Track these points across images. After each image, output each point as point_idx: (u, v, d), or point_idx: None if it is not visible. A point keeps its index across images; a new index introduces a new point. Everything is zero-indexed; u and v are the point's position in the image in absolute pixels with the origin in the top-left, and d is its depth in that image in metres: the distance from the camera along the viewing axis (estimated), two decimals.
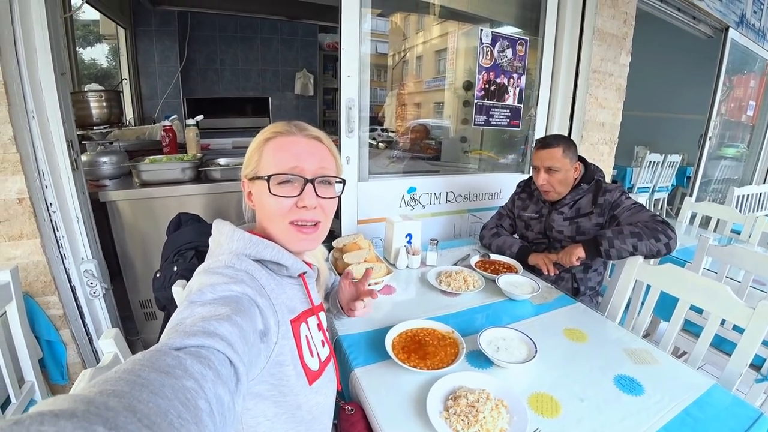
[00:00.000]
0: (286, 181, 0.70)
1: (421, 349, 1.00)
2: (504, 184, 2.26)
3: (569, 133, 2.31)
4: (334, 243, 1.47)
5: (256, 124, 4.32)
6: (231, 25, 4.50)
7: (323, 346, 0.78)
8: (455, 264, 1.59)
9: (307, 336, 0.72)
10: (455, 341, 1.03)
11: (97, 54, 4.17)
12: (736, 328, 1.47)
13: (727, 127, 4.20)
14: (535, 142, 1.62)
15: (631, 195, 1.57)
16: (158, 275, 1.29)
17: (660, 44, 4.28)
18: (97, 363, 0.89)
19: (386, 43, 3.23)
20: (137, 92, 4.06)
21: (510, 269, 1.54)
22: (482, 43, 2.03)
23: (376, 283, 1.31)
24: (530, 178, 1.75)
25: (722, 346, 1.58)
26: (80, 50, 4.09)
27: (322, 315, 0.84)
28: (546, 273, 1.52)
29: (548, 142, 1.55)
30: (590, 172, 1.59)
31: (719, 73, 3.51)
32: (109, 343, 0.78)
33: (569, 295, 1.40)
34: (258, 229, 0.76)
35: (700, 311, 1.63)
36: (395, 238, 1.54)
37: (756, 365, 1.46)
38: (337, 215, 1.93)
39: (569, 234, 1.59)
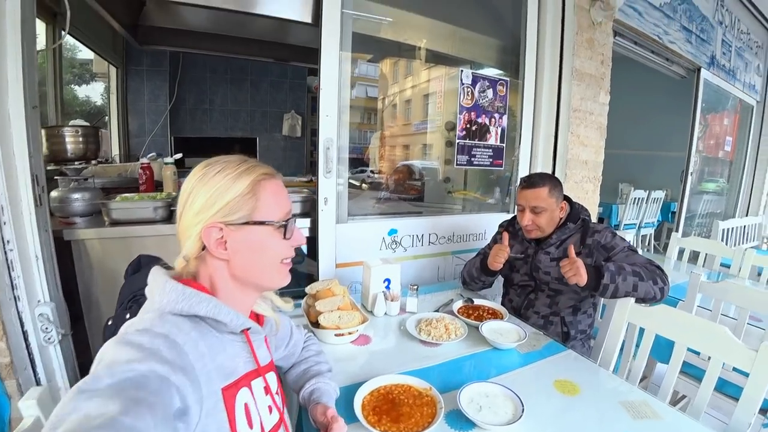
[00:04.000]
0: (286, 225, 0.71)
1: (395, 410, 0.91)
2: (488, 225, 2.23)
3: (553, 172, 2.31)
4: (307, 289, 1.39)
5: None
6: (222, 66, 4.58)
7: (270, 412, 0.70)
8: (437, 310, 1.52)
9: (246, 404, 0.64)
10: (433, 399, 0.94)
11: (92, 92, 4.23)
12: (736, 369, 1.40)
13: (707, 163, 4.32)
14: (519, 181, 1.59)
15: (618, 231, 1.55)
16: (110, 323, 1.19)
17: (638, 84, 4.44)
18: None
19: (376, 88, 3.30)
20: (125, 129, 4.05)
21: (495, 315, 1.46)
22: (462, 84, 2.06)
23: (350, 333, 1.23)
24: (514, 217, 1.71)
25: (723, 388, 1.49)
26: (75, 87, 4.13)
27: (272, 376, 0.76)
28: (506, 256, 1.54)
29: (533, 181, 1.51)
30: (575, 210, 1.56)
31: (695, 111, 3.64)
32: (30, 404, 0.69)
33: (559, 341, 1.33)
34: (201, 280, 0.68)
35: (697, 352, 1.55)
36: (373, 283, 1.47)
37: (763, 409, 1.33)
38: (314, 257, 1.86)
39: (557, 275, 1.52)
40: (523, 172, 2.36)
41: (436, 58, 2.40)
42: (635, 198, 4.41)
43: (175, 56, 4.22)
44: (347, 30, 1.76)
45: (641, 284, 1.30)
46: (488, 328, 1.33)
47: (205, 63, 4.48)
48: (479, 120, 2.13)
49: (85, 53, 3.79)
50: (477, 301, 1.57)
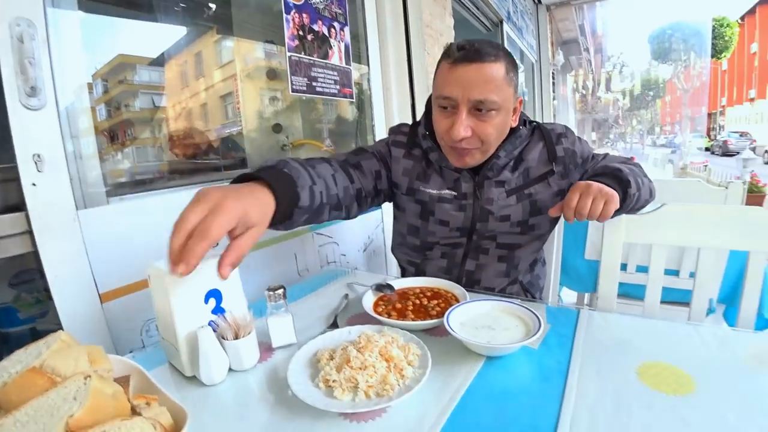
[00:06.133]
0: None
1: None
2: None
3: (413, 105, 1.81)
4: None
5: None
6: None
7: None
8: (331, 326, 0.78)
9: None
10: None
11: None
12: None
13: None
14: (447, 50, 0.84)
15: None
16: None
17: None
18: None
19: None
20: None
21: (442, 297, 0.83)
22: None
23: None
24: (415, 125, 1.00)
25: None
26: None
27: None
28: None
29: (480, 49, 0.79)
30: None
31: None
32: None
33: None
34: None
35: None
36: (178, 312, 0.62)
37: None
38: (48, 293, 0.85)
39: (520, 218, 0.95)
40: (377, 105, 1.77)
41: None
42: None
43: None
44: None
45: (649, 184, 0.89)
46: (457, 322, 0.69)
47: None
48: (315, 27, 1.42)
49: None
50: (399, 284, 0.90)
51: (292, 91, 1.37)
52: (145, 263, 0.66)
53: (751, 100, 32.09)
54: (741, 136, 19.99)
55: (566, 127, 0.97)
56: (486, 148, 0.86)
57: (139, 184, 1.11)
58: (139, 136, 1.20)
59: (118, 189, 1.02)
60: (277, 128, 1.54)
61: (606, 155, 0.99)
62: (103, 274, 0.89)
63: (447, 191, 0.95)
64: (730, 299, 1.44)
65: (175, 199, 1.06)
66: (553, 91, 5.84)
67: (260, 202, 0.61)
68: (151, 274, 0.65)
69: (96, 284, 0.88)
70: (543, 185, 0.93)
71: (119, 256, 0.92)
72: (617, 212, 0.79)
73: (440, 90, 0.83)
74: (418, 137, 0.97)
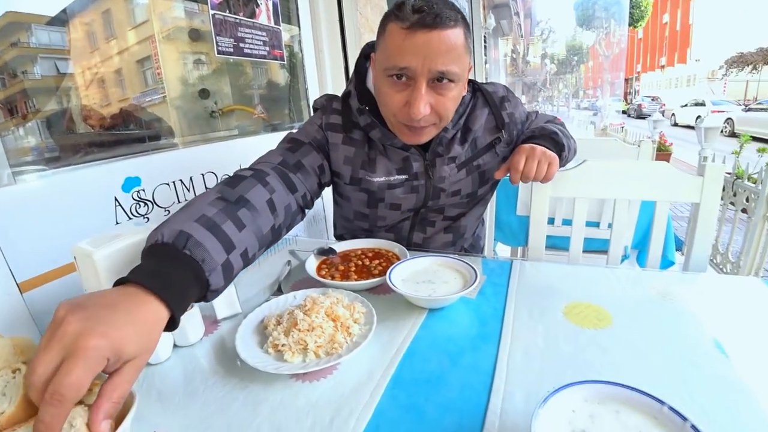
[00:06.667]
0: None
1: None
2: None
3: (346, 68, 1.76)
4: None
5: None
6: None
7: None
8: (277, 292, 0.78)
9: None
10: None
11: None
12: None
13: None
14: (402, 11, 0.68)
15: None
16: None
17: None
18: None
19: None
20: None
21: (384, 256, 0.85)
22: None
23: None
24: (345, 98, 0.87)
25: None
26: None
27: None
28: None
29: (441, 14, 0.66)
30: None
31: None
32: None
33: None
34: None
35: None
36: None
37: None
38: None
39: (470, 190, 0.93)
40: (309, 68, 1.70)
41: None
42: None
43: None
44: None
45: (573, 144, 0.94)
46: (399, 278, 0.72)
47: None
48: None
49: None
50: (341, 246, 0.91)
51: (218, 53, 1.28)
52: (68, 246, 0.61)
53: (662, 67, 35.02)
54: (653, 100, 21.80)
55: (506, 89, 0.94)
56: (442, 124, 0.79)
57: (51, 161, 1.00)
58: (43, 108, 1.05)
59: (25, 167, 0.91)
60: (204, 94, 1.44)
61: (537, 114, 1.02)
62: (19, 261, 0.81)
63: (396, 177, 0.87)
64: (641, 245, 1.62)
65: (94, 174, 0.98)
66: (485, 55, 5.92)
67: (140, 324, 0.42)
68: (76, 256, 0.60)
69: (12, 273, 0.80)
70: (490, 154, 0.91)
71: (36, 240, 0.83)
72: None
73: (394, 60, 0.69)
74: (353, 114, 0.85)
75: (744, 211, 2.27)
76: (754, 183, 2.17)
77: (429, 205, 0.93)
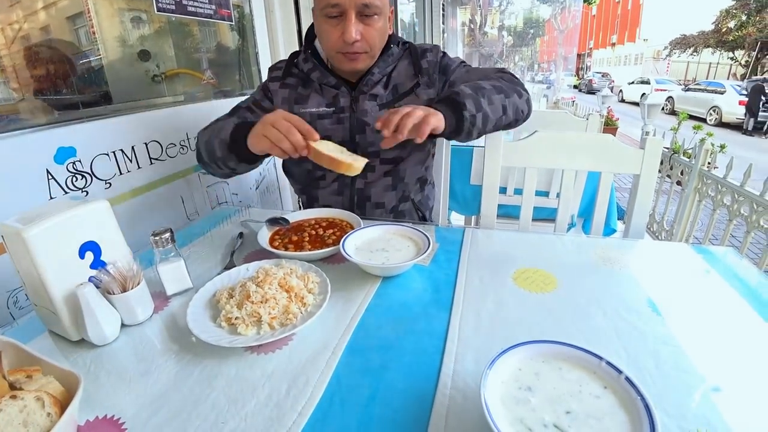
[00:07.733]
0: None
1: None
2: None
3: (299, 31, 1.68)
4: None
5: None
6: None
7: None
8: (228, 266, 0.75)
9: None
10: None
11: None
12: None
13: None
14: None
15: None
16: None
17: None
18: None
19: None
20: None
21: (337, 226, 0.85)
22: None
23: None
24: (292, 56, 1.05)
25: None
26: None
27: None
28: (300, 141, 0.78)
29: None
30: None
31: None
32: None
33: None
34: None
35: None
36: (48, 272, 0.55)
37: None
38: None
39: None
40: (260, 30, 1.61)
41: None
42: None
43: None
44: None
45: (509, 102, 0.89)
46: (355, 247, 0.73)
47: None
48: None
49: None
50: (294, 216, 0.90)
51: (158, 11, 1.18)
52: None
53: (613, 44, 36.21)
54: (603, 76, 22.65)
55: (436, 46, 1.05)
56: (373, 53, 0.94)
57: None
58: None
59: None
60: (144, 56, 1.33)
61: (474, 68, 1.02)
62: None
63: (325, 108, 1.00)
64: (587, 213, 1.72)
65: (20, 145, 0.89)
66: (443, 24, 5.83)
67: None
68: (4, 236, 0.55)
69: None
70: (411, 98, 1.00)
71: None
72: (457, 136, 0.85)
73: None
74: (297, 64, 1.02)
75: (679, 183, 2.45)
76: (689, 158, 2.34)
77: (358, 141, 1.00)
